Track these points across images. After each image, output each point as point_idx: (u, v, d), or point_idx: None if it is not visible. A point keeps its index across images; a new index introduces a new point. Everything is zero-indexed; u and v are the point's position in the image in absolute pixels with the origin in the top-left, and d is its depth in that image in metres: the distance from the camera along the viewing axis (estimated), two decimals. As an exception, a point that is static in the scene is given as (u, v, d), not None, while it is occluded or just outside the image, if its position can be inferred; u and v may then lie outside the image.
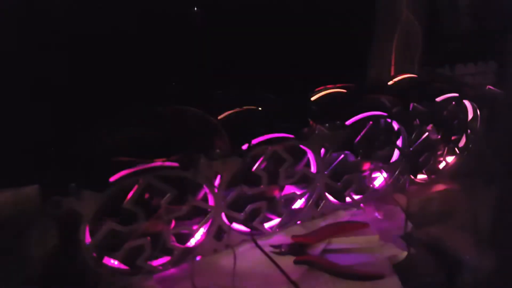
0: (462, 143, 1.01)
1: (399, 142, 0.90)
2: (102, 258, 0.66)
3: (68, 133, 0.71)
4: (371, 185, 0.90)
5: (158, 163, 0.65)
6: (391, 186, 0.91)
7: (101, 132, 0.67)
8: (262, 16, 0.91)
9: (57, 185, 0.60)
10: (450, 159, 0.99)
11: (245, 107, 0.80)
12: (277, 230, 0.81)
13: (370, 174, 0.89)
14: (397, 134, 0.89)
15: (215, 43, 0.89)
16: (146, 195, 0.66)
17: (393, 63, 1.06)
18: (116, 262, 0.67)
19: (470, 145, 1.00)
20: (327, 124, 0.79)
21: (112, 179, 0.62)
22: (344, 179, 0.85)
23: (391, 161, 0.92)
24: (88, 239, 0.63)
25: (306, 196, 0.83)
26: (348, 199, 0.88)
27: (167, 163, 0.66)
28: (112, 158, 0.64)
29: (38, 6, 0.73)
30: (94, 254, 0.64)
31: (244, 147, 0.73)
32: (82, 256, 0.63)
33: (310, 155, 0.81)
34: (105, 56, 0.78)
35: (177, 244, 0.70)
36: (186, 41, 0.87)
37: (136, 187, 0.63)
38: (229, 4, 0.89)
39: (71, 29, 0.76)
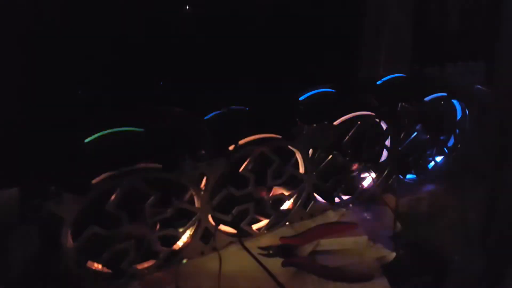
0: (451, 142, 1.00)
1: (387, 142, 0.90)
2: (85, 262, 0.64)
3: (49, 134, 0.70)
4: (360, 185, 0.90)
5: (141, 164, 0.64)
6: (380, 186, 0.91)
7: (83, 133, 0.66)
8: (249, 15, 0.90)
9: (37, 187, 0.59)
10: (439, 158, 0.99)
11: (231, 107, 0.79)
12: (265, 231, 0.81)
13: (359, 174, 0.88)
14: (385, 134, 0.89)
15: (202, 42, 0.88)
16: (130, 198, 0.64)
17: (381, 62, 1.06)
18: (100, 266, 0.65)
19: (459, 145, 1.00)
20: (315, 124, 0.78)
21: (94, 181, 0.61)
22: (333, 179, 0.85)
23: (379, 161, 0.91)
24: (70, 243, 0.62)
25: (294, 197, 0.83)
26: (336, 199, 0.88)
27: (151, 165, 0.65)
28: (94, 160, 0.63)
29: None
30: (77, 258, 0.63)
31: (231, 148, 0.72)
32: (65, 260, 0.62)
33: (298, 156, 0.80)
34: (88, 56, 0.76)
35: (163, 247, 0.69)
36: (173, 40, 0.86)
37: (118, 189, 0.62)
38: (218, 5, 0.88)
39: (59, 27, 0.74)
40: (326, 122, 0.80)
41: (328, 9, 0.97)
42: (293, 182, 0.82)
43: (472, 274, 0.76)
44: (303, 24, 0.94)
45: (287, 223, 0.83)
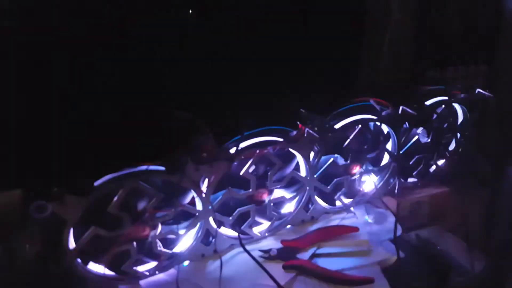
0: (452, 146, 1.00)
1: (388, 146, 0.90)
2: (87, 263, 0.65)
3: (51, 136, 0.70)
4: (361, 189, 0.90)
5: (143, 167, 0.64)
6: (381, 189, 0.91)
7: (85, 135, 0.66)
8: (252, 18, 0.90)
9: (40, 189, 0.59)
10: (440, 162, 0.99)
11: (233, 110, 0.80)
12: (266, 234, 0.81)
13: (360, 178, 0.88)
14: (386, 138, 0.89)
15: (206, 44, 0.88)
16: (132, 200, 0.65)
17: (383, 65, 1.06)
18: (101, 268, 0.66)
19: (460, 148, 1.00)
20: (316, 127, 0.78)
21: (96, 183, 0.61)
22: (334, 182, 0.85)
23: (381, 164, 0.91)
24: (72, 244, 0.62)
25: (295, 200, 0.83)
26: (338, 202, 0.88)
27: (153, 167, 0.65)
28: (97, 161, 0.63)
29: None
30: (79, 260, 0.63)
31: (232, 150, 0.72)
32: (67, 261, 0.62)
33: (299, 159, 0.80)
34: (89, 58, 0.76)
35: (164, 249, 0.70)
36: (177, 42, 0.86)
37: (121, 191, 0.62)
38: (223, 7, 0.88)
39: (64, 29, 0.74)
40: (327, 125, 0.81)
41: (329, 13, 0.97)
42: (294, 185, 0.82)
43: (473, 277, 0.76)
44: (304, 25, 0.94)
45: (288, 226, 0.83)
